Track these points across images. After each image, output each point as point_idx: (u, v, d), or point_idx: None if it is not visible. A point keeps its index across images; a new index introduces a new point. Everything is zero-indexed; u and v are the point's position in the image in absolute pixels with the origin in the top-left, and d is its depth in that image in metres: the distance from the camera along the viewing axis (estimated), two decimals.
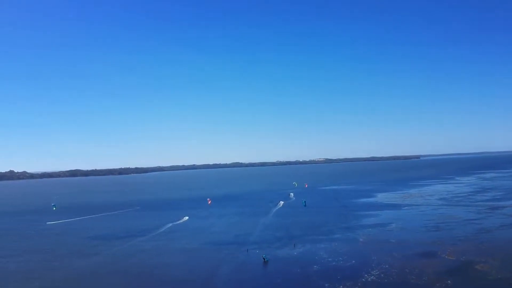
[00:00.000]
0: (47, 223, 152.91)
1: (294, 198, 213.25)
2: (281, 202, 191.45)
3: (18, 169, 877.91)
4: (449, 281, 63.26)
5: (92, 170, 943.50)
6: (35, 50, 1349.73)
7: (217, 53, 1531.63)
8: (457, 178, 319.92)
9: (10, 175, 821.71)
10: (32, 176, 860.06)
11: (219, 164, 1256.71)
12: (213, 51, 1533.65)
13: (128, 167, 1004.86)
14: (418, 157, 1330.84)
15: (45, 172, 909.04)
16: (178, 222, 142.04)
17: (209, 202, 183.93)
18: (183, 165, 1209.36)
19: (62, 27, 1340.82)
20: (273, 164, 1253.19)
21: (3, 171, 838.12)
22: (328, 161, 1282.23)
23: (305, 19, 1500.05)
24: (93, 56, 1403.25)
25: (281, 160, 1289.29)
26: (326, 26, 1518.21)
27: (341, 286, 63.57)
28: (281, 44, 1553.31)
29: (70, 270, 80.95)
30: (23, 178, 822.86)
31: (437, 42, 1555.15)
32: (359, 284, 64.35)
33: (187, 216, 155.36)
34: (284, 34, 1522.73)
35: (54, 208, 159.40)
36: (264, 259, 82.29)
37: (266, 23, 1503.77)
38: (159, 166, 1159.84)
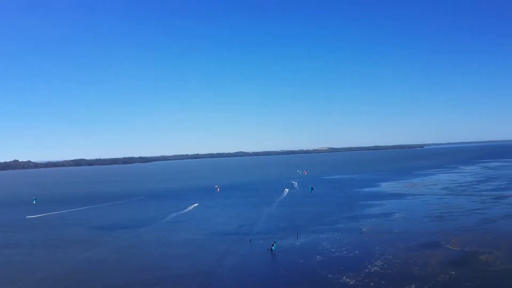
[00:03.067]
0: (27, 216, 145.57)
1: (298, 187, 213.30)
2: (285, 192, 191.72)
3: (22, 158, 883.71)
4: (453, 272, 62.98)
5: (96, 160, 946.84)
6: (39, 42, 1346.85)
7: (221, 45, 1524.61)
8: (461, 167, 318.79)
9: (15, 165, 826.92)
10: (36, 165, 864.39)
11: (223, 153, 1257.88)
12: (216, 42, 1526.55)
13: (132, 156, 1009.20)
14: (422, 146, 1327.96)
15: (49, 162, 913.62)
16: (182, 212, 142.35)
17: (218, 189, 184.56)
18: (187, 154, 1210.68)
19: (65, 22, 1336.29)
20: (277, 153, 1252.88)
21: (8, 160, 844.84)
22: (332, 150, 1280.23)
23: (309, 11, 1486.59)
24: (96, 48, 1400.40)
25: (285, 149, 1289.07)
26: (329, 17, 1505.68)
27: (344, 277, 63.39)
28: (284, 35, 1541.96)
29: (75, 261, 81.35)
30: (27, 168, 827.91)
31: (440, 32, 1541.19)
32: (362, 275, 64.13)
33: (193, 204, 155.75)
34: (287, 24, 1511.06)
35: (34, 202, 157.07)
36: (274, 244, 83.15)
37: (270, 14, 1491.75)
38: (163, 155, 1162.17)
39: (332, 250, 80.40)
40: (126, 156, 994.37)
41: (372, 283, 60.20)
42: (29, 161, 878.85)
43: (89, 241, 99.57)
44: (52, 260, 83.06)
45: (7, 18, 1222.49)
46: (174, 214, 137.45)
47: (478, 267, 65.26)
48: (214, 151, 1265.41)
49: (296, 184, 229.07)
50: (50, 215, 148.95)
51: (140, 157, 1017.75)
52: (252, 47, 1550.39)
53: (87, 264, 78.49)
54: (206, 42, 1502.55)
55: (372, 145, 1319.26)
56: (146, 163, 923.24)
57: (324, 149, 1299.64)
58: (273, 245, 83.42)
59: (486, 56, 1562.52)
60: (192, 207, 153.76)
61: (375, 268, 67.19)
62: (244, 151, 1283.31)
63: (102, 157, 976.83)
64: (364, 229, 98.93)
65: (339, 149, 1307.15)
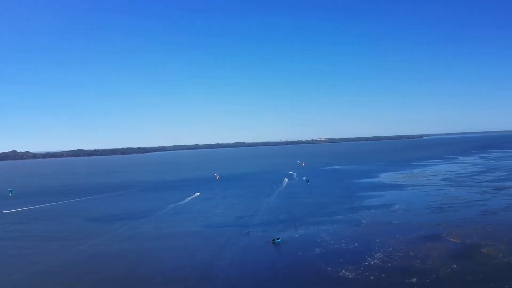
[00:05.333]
0: (3, 211, 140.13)
1: (297, 178, 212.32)
2: (284, 183, 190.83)
3: (21, 149, 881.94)
4: (454, 265, 61.94)
5: (95, 150, 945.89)
6: (39, 37, 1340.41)
7: (220, 37, 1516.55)
8: (460, 158, 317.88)
9: (13, 155, 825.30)
10: (35, 156, 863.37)
11: (222, 144, 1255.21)
12: (216, 35, 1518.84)
13: (130, 147, 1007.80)
14: (421, 136, 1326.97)
15: (48, 152, 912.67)
16: (181, 203, 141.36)
17: (217, 177, 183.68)
18: (186, 145, 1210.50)
19: (65, 17, 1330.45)
20: (276, 143, 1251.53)
21: (6, 151, 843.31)
22: (331, 141, 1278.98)
23: (308, 7, 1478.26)
24: (96, 42, 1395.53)
25: (284, 140, 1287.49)
26: (328, 12, 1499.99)
27: (343, 270, 62.38)
28: (284, 26, 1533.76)
29: (71, 253, 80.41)
30: (26, 158, 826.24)
31: (438, 24, 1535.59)
32: (362, 268, 63.11)
33: (192, 195, 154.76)
34: (285, 19, 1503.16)
35: (10, 194, 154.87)
36: (279, 238, 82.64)
37: (268, 9, 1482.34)
38: (162, 146, 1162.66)
39: (331, 242, 79.33)
40: (125, 147, 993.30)
41: (372, 277, 59.19)
42: (27, 152, 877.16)
43: (86, 233, 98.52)
44: (48, 252, 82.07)
45: (8, 13, 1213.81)
46: (173, 205, 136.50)
47: (480, 260, 64.20)
48: (213, 142, 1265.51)
49: (295, 175, 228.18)
50: (34, 209, 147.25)
51: (139, 148, 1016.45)
52: (251, 39, 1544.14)
53: (84, 256, 77.51)
54: (205, 35, 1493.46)
55: (371, 135, 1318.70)
56: (145, 154, 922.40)
57: (323, 139, 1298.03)
58: (278, 238, 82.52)
59: (485, 47, 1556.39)
60: (190, 198, 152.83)
61: (375, 261, 66.16)
62: (243, 141, 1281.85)
63: (100, 148, 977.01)
64: (364, 221, 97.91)
65: (338, 139, 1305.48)
